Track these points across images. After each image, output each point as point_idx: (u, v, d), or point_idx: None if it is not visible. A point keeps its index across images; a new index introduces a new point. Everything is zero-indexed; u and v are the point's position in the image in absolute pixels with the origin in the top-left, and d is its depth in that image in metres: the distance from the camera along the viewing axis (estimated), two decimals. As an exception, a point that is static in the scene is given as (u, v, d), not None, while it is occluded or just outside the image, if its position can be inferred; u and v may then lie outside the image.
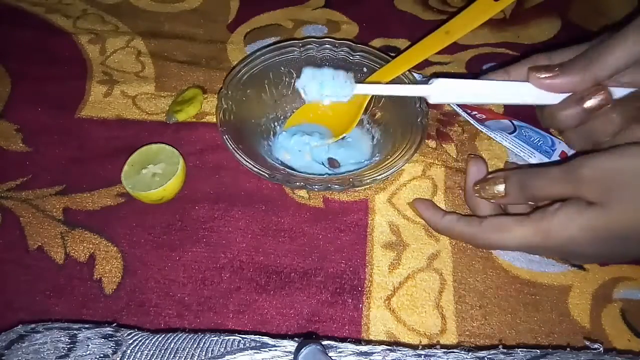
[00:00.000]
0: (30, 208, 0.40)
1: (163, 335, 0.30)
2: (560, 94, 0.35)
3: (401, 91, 0.38)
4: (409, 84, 0.42)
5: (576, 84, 0.33)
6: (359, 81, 0.44)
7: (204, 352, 0.29)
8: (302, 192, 0.42)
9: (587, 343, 0.34)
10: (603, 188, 0.29)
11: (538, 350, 0.30)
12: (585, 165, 0.30)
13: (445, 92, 0.36)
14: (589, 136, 0.35)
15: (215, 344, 0.29)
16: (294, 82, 0.46)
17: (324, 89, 0.36)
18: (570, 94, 0.35)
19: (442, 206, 0.41)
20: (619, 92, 0.34)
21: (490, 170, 0.39)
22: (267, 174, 0.37)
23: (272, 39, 0.54)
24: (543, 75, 0.34)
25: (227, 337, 0.30)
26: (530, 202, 0.35)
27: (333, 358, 0.29)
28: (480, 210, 0.37)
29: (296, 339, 0.30)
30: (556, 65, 0.34)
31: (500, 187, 0.35)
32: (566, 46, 0.36)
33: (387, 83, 0.42)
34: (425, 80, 0.46)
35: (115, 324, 0.32)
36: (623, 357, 0.31)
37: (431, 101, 0.37)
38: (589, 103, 0.33)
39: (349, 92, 0.36)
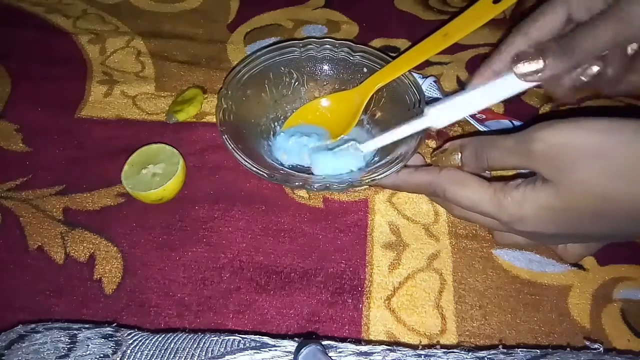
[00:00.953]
0: (30, 208, 0.40)
1: (163, 335, 0.30)
2: None
3: (402, 133, 0.38)
4: (408, 84, 0.42)
5: (562, 72, 0.33)
6: (363, 78, 0.44)
7: (204, 352, 0.29)
8: (302, 192, 0.42)
9: (587, 343, 0.34)
10: (555, 166, 0.28)
11: (538, 350, 0.30)
12: (537, 139, 0.29)
13: (442, 116, 0.36)
14: (592, 90, 0.35)
15: (215, 344, 0.29)
16: (294, 83, 0.46)
17: (339, 168, 0.40)
18: None
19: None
20: None
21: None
22: (266, 173, 0.37)
23: (272, 39, 0.54)
24: (527, 70, 0.33)
25: (227, 337, 0.30)
26: (487, 172, 0.35)
27: (333, 358, 0.29)
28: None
29: (296, 339, 0.30)
30: (537, 53, 0.33)
31: (457, 157, 0.34)
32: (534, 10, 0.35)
33: (387, 84, 0.42)
34: (424, 82, 0.47)
35: (115, 324, 0.32)
36: (623, 357, 0.31)
37: (437, 127, 0.37)
38: (585, 78, 0.33)
39: (361, 165, 0.40)
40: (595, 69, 0.33)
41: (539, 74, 0.33)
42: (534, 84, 0.34)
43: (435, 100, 0.46)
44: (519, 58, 0.33)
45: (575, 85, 0.34)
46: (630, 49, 0.32)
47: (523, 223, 0.31)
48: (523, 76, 0.33)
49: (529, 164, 0.30)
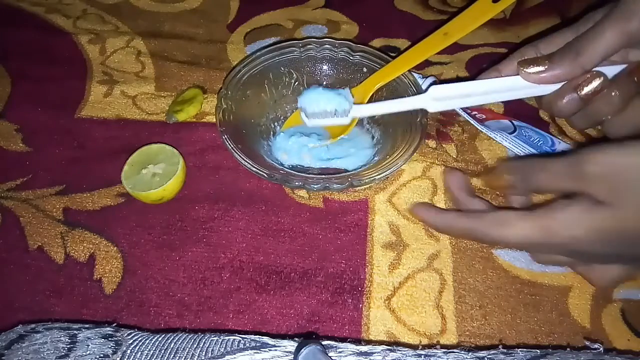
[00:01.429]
0: (30, 208, 0.40)
1: (163, 335, 0.30)
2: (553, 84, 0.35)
3: (398, 106, 0.37)
4: (408, 84, 0.42)
5: (566, 76, 0.33)
6: (362, 78, 0.44)
7: (204, 352, 0.29)
8: (302, 192, 0.42)
9: (587, 343, 0.34)
10: (610, 187, 0.28)
11: (538, 350, 0.30)
12: (591, 161, 0.28)
13: (442, 99, 0.36)
14: (591, 117, 0.35)
15: (215, 344, 0.29)
16: (294, 83, 0.46)
17: (324, 104, 0.37)
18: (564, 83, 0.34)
19: (442, 206, 0.41)
20: (613, 70, 0.33)
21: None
22: (265, 173, 0.37)
23: (272, 39, 0.54)
24: (532, 70, 0.34)
25: (227, 337, 0.30)
26: (535, 194, 0.35)
27: (333, 358, 0.29)
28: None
29: (296, 339, 0.30)
30: (544, 57, 0.34)
31: (506, 179, 0.34)
32: (552, 32, 0.36)
33: (386, 83, 0.42)
34: (424, 82, 0.47)
35: (115, 324, 0.32)
36: (623, 357, 0.31)
37: (431, 110, 0.37)
38: (585, 90, 0.33)
39: (348, 108, 0.37)
40: (596, 83, 0.33)
41: (543, 74, 0.33)
42: (537, 90, 0.34)
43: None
44: (525, 60, 0.34)
45: (574, 101, 0.34)
46: (636, 77, 0.33)
47: (573, 244, 0.30)
48: (527, 75, 0.34)
49: (581, 187, 0.29)
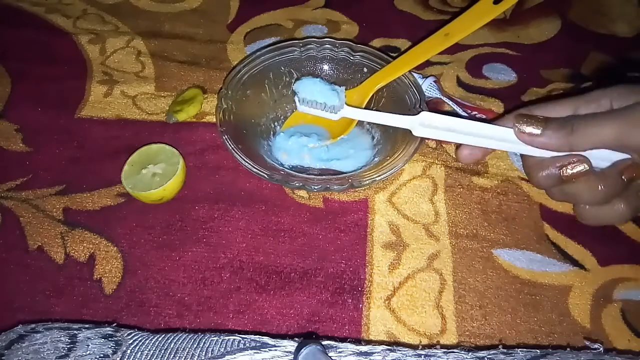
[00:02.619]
0: (30, 208, 0.40)
1: (163, 335, 0.30)
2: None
3: (386, 120, 0.37)
4: (409, 84, 0.42)
5: (553, 147, 0.33)
6: (363, 78, 0.44)
7: (204, 352, 0.29)
8: (302, 192, 0.42)
9: (587, 343, 0.34)
10: None
11: (538, 350, 0.30)
12: None
13: (430, 127, 0.36)
14: (569, 197, 0.34)
15: (215, 344, 0.29)
16: (294, 82, 0.46)
17: (317, 95, 0.38)
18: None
19: (443, 205, 0.41)
20: (604, 158, 0.33)
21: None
22: (266, 174, 0.37)
23: (272, 39, 0.54)
24: (527, 130, 0.33)
25: (227, 337, 0.30)
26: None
27: (333, 358, 0.29)
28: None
29: (296, 339, 0.30)
30: (542, 120, 0.33)
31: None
32: (555, 98, 0.35)
33: (384, 85, 0.42)
34: (424, 82, 0.47)
35: (115, 324, 0.32)
36: (623, 357, 0.31)
37: (415, 134, 0.36)
38: (567, 172, 0.33)
39: (338, 105, 0.38)
40: (579, 168, 0.32)
41: (533, 138, 0.33)
42: (525, 149, 0.34)
43: (435, 99, 0.46)
44: (523, 116, 0.34)
45: (553, 177, 0.33)
46: (624, 176, 0.32)
47: None
48: (520, 132, 0.33)
49: None
